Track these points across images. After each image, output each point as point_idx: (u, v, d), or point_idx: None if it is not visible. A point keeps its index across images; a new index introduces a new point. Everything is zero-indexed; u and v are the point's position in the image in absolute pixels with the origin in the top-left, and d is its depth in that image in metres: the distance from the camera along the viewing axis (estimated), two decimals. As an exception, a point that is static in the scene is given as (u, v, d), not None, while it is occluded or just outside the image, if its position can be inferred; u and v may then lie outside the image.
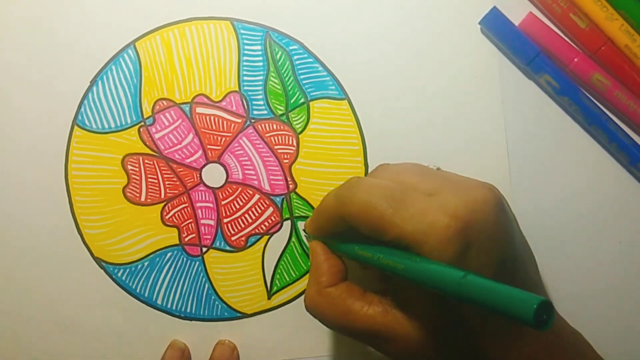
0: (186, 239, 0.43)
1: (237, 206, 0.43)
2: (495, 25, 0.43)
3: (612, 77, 0.43)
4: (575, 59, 0.43)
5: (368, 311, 0.35)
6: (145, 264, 0.43)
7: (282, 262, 0.43)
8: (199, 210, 0.43)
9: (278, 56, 0.43)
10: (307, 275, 0.43)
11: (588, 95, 0.43)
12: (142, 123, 0.43)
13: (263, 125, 0.43)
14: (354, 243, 0.35)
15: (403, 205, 0.32)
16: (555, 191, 0.44)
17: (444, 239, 0.31)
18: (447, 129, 0.43)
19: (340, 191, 0.35)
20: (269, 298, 0.43)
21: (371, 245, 0.34)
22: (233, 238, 0.43)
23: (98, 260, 0.43)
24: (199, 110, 0.43)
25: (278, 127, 0.43)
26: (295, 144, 0.43)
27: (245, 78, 0.43)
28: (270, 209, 0.43)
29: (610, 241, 0.44)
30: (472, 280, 0.27)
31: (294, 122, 0.43)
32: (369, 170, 0.43)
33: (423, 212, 0.31)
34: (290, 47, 0.43)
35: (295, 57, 0.43)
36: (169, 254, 0.43)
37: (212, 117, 0.43)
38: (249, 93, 0.43)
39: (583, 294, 0.44)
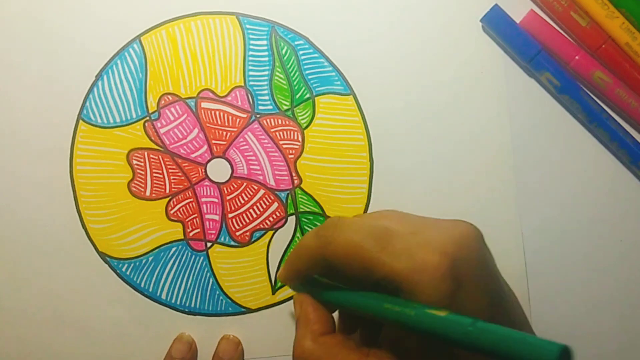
0: (191, 234, 0.43)
1: (242, 201, 0.43)
2: (497, 23, 0.43)
3: (613, 75, 0.43)
4: (576, 57, 0.43)
5: None
6: (150, 258, 0.43)
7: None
8: (204, 205, 0.43)
9: (284, 51, 0.43)
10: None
11: (589, 93, 0.44)
12: (148, 118, 0.43)
13: (268, 120, 0.43)
14: (344, 290, 0.34)
15: (390, 243, 0.31)
16: (555, 190, 0.44)
17: (437, 277, 0.30)
18: (450, 124, 0.44)
19: (321, 231, 0.34)
20: (273, 293, 0.43)
21: (364, 291, 0.33)
22: (238, 233, 0.43)
23: (102, 255, 0.43)
24: (204, 105, 0.43)
25: (283, 122, 0.43)
26: (300, 139, 0.43)
27: (250, 73, 0.43)
28: (275, 204, 0.43)
29: (611, 239, 0.44)
30: (482, 327, 0.26)
31: (299, 118, 0.43)
32: (374, 165, 0.43)
33: (411, 249, 0.31)
34: (296, 42, 0.43)
35: (301, 52, 0.43)
36: (173, 249, 0.43)
37: (217, 112, 0.43)
38: (255, 88, 0.43)
39: (583, 292, 0.44)
